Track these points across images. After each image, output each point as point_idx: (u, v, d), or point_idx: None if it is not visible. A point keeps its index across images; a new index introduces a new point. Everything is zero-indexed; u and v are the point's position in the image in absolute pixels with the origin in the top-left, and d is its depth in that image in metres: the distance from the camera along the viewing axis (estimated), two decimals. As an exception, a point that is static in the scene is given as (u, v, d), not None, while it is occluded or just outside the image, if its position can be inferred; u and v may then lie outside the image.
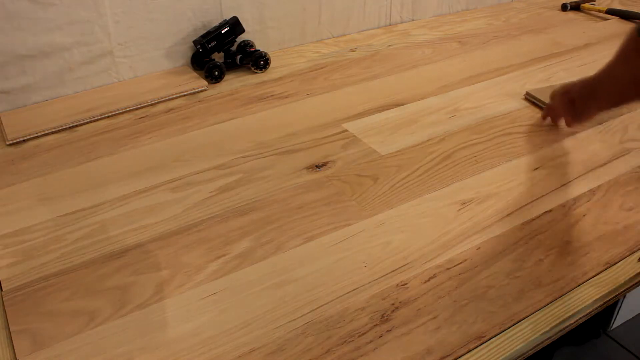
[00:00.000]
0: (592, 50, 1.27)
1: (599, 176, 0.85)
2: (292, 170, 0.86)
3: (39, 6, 0.97)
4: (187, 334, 0.60)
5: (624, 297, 1.29)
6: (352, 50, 1.29)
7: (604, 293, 0.66)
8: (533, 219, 0.76)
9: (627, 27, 1.42)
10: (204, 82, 1.11)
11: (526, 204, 0.79)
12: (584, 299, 0.65)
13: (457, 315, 0.62)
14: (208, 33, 1.13)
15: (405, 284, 0.66)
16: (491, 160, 0.89)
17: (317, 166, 0.87)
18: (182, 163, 0.88)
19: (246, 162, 0.88)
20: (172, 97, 1.07)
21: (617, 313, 1.38)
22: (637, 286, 0.69)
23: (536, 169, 0.87)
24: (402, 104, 1.05)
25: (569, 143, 0.93)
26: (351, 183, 0.83)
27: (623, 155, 0.90)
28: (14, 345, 0.59)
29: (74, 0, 0.99)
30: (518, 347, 0.59)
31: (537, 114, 1.01)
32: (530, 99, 1.05)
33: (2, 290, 0.66)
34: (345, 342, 0.59)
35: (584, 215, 0.77)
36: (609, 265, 0.69)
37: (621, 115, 1.01)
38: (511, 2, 1.63)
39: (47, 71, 1.03)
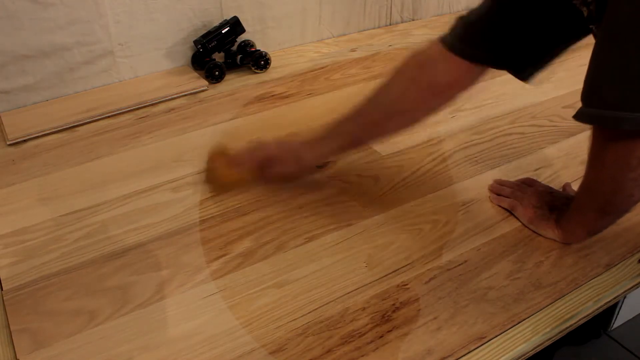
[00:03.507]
0: (592, 50, 1.27)
1: (600, 177, 0.85)
2: (293, 170, 0.86)
3: (39, 6, 0.97)
4: (187, 333, 0.60)
5: (624, 297, 1.29)
6: (353, 50, 1.29)
7: (604, 294, 0.66)
8: (533, 220, 0.76)
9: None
10: (205, 82, 1.11)
11: (526, 205, 0.79)
12: (584, 300, 0.65)
13: (458, 316, 0.62)
14: (208, 33, 1.13)
15: (406, 284, 0.66)
16: (491, 160, 0.89)
17: (317, 166, 0.87)
18: (182, 163, 0.88)
19: (246, 162, 0.88)
20: (172, 97, 1.07)
21: (618, 313, 1.37)
22: (638, 287, 0.69)
23: (537, 169, 0.87)
24: (403, 104, 1.05)
25: (569, 143, 0.93)
26: (352, 183, 0.83)
27: (623, 155, 0.90)
28: (15, 344, 0.59)
29: (74, 0, 0.99)
30: (518, 347, 0.59)
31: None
32: None
33: (2, 289, 0.66)
34: (345, 342, 0.59)
35: (584, 216, 0.77)
36: (609, 266, 0.69)
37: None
38: (511, 2, 1.63)
39: (47, 71, 1.03)
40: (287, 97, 1.08)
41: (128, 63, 1.11)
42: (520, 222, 0.75)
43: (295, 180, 0.81)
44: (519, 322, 0.62)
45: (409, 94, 0.71)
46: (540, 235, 0.73)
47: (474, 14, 0.68)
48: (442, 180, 0.84)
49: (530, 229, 0.74)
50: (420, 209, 0.78)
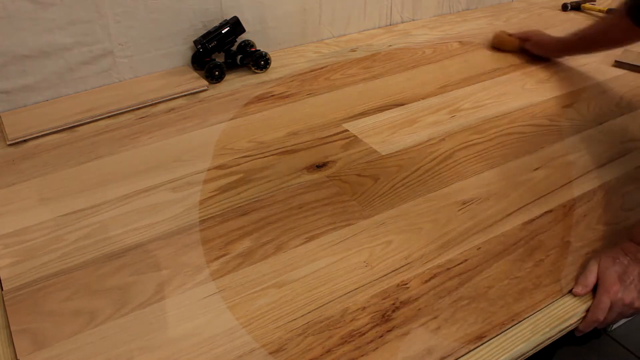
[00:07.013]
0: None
1: (599, 176, 0.85)
2: (293, 170, 0.86)
3: (39, 6, 0.97)
4: (187, 333, 0.60)
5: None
6: (353, 50, 1.29)
7: (604, 293, 0.66)
8: (533, 219, 0.76)
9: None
10: (205, 82, 1.11)
11: (526, 204, 0.79)
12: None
13: (458, 315, 0.62)
14: (208, 33, 1.13)
15: (406, 283, 0.66)
16: (491, 160, 0.89)
17: (317, 166, 0.87)
18: (182, 163, 0.88)
19: (246, 162, 0.88)
20: (172, 97, 1.07)
21: (618, 313, 1.37)
22: (638, 286, 0.69)
23: (536, 169, 0.87)
24: (403, 104, 1.05)
25: (569, 143, 0.93)
26: (352, 183, 0.83)
27: (623, 155, 0.90)
28: (15, 344, 0.59)
29: (74, 0, 0.99)
30: (518, 347, 0.59)
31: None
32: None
33: (2, 290, 0.66)
34: (345, 342, 0.59)
35: (584, 216, 0.77)
36: (610, 265, 0.69)
37: (621, 115, 1.01)
38: (511, 2, 1.63)
39: (47, 71, 1.03)
40: (287, 97, 1.08)
41: (128, 63, 1.11)
42: None
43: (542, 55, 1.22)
44: (519, 322, 0.62)
45: (606, 38, 1.10)
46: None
47: None
48: (443, 180, 0.84)
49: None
50: (420, 209, 0.78)
